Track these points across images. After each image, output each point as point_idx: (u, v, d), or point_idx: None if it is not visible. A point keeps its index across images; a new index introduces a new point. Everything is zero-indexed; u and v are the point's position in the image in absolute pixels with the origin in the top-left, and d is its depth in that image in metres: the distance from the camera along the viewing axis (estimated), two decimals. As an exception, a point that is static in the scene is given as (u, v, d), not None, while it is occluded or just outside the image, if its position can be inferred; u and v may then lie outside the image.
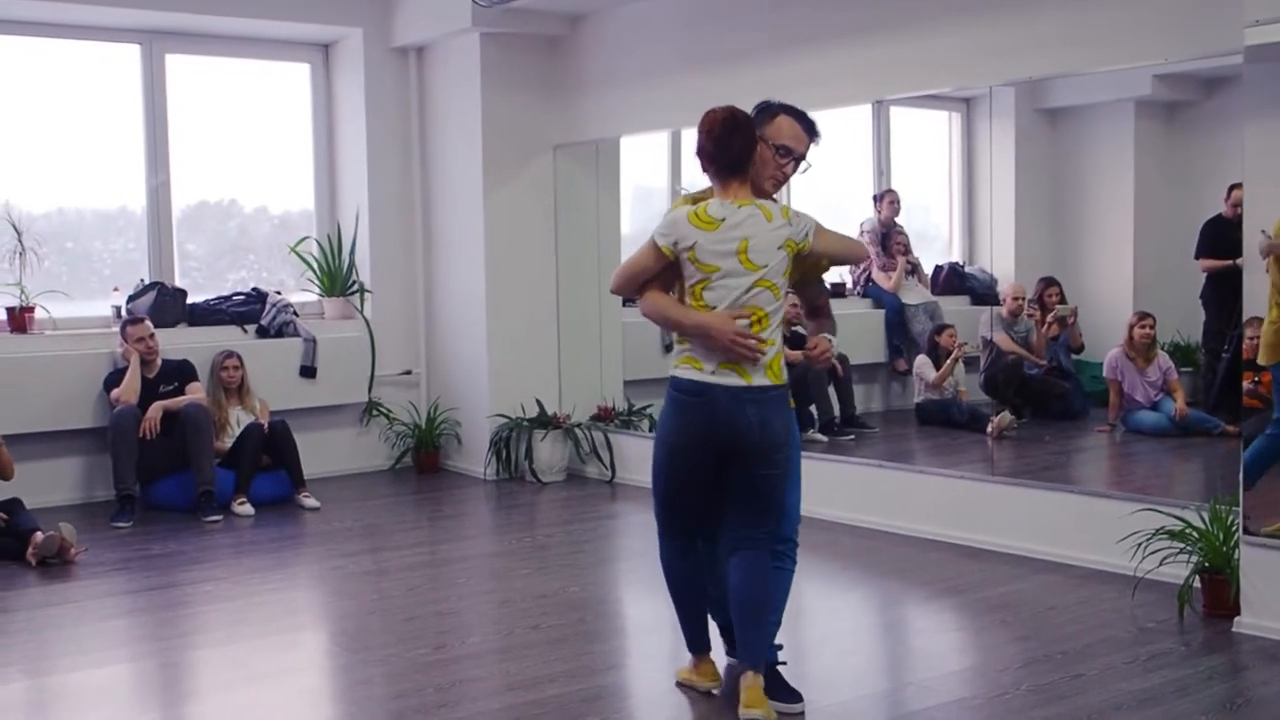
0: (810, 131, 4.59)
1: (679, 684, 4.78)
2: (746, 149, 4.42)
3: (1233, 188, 8.23)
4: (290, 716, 4.75)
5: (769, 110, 4.59)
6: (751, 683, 4.39)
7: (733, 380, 4.33)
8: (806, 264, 4.54)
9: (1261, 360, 5.42)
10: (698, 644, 4.75)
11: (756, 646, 4.45)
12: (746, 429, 4.33)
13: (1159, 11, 6.07)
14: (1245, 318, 5.48)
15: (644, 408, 9.33)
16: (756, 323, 4.33)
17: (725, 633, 4.86)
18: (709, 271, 4.34)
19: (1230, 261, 8.09)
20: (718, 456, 4.41)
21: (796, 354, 5.05)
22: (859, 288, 9.98)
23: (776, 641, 4.69)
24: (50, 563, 6.84)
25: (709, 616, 4.79)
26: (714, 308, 4.34)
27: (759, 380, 4.34)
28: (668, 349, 4.89)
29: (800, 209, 4.56)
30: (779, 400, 4.41)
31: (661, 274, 4.47)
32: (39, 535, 6.86)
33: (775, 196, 4.62)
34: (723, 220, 4.35)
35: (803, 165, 4.63)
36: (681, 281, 4.44)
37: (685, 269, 4.40)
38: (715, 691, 4.68)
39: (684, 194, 4.70)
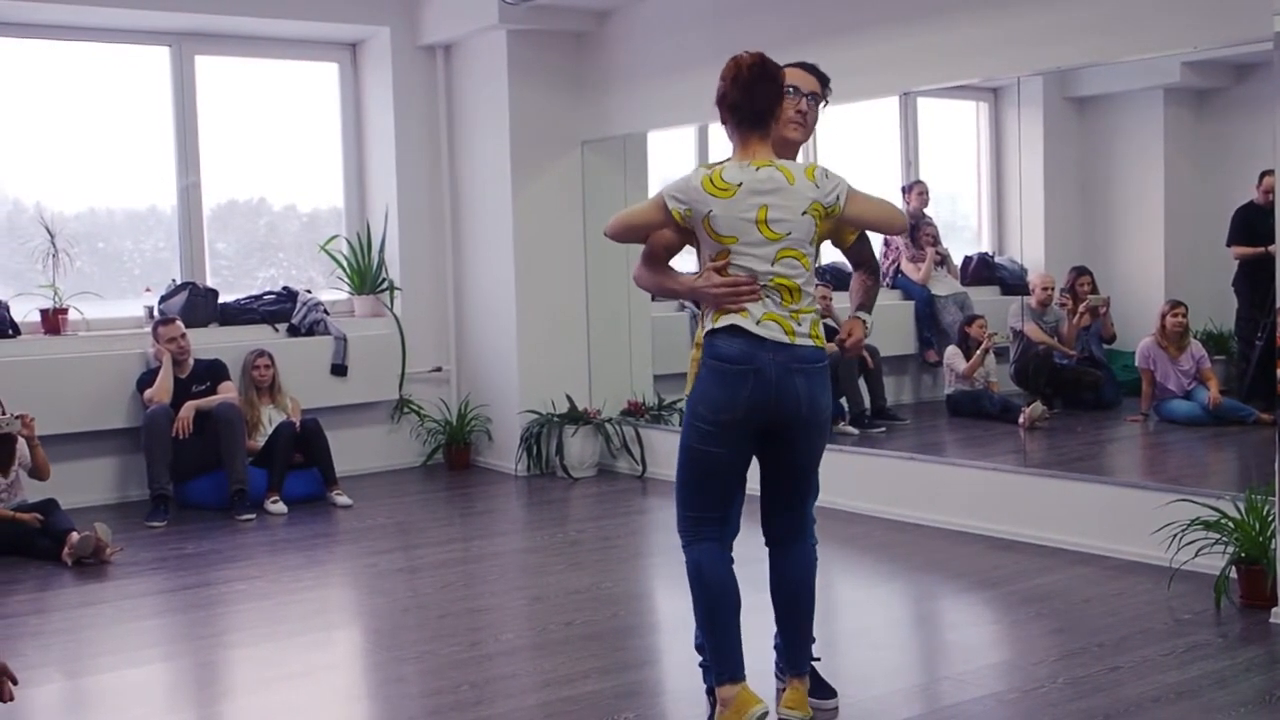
0: (815, 72, 4.36)
1: None
2: (773, 100, 4.10)
3: (1264, 174, 8.17)
4: (325, 715, 4.75)
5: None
6: (798, 685, 4.24)
7: (778, 335, 3.99)
8: (834, 229, 4.28)
9: None
10: (737, 667, 4.16)
11: (804, 646, 4.30)
12: (796, 402, 4.02)
13: (1188, -1, 6.03)
14: (1279, 305, 5.43)
15: (674, 402, 9.31)
16: (788, 295, 4.02)
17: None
18: (728, 243, 4.01)
19: (1263, 249, 8.05)
20: (762, 435, 4.10)
21: (830, 346, 4.82)
22: (888, 279, 9.93)
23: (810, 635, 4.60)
24: (86, 563, 6.87)
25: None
26: None
27: (803, 341, 4.03)
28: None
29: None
30: (824, 372, 4.12)
31: (667, 241, 4.20)
32: (75, 535, 6.89)
33: (802, 148, 4.42)
34: (739, 185, 4.00)
35: (821, 105, 4.37)
36: (699, 251, 4.18)
37: (703, 241, 4.09)
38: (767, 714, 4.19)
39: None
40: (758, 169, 4.04)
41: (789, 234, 4.01)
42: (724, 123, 4.16)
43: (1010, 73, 7.52)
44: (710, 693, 4.36)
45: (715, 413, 4.04)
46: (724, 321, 4.04)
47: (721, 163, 4.14)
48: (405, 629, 5.72)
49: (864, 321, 4.44)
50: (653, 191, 9.47)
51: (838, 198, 4.09)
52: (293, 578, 6.70)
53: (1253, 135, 8.31)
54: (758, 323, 4.01)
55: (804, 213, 4.03)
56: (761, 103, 4.07)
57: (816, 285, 4.18)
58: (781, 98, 4.16)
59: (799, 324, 4.05)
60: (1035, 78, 8.46)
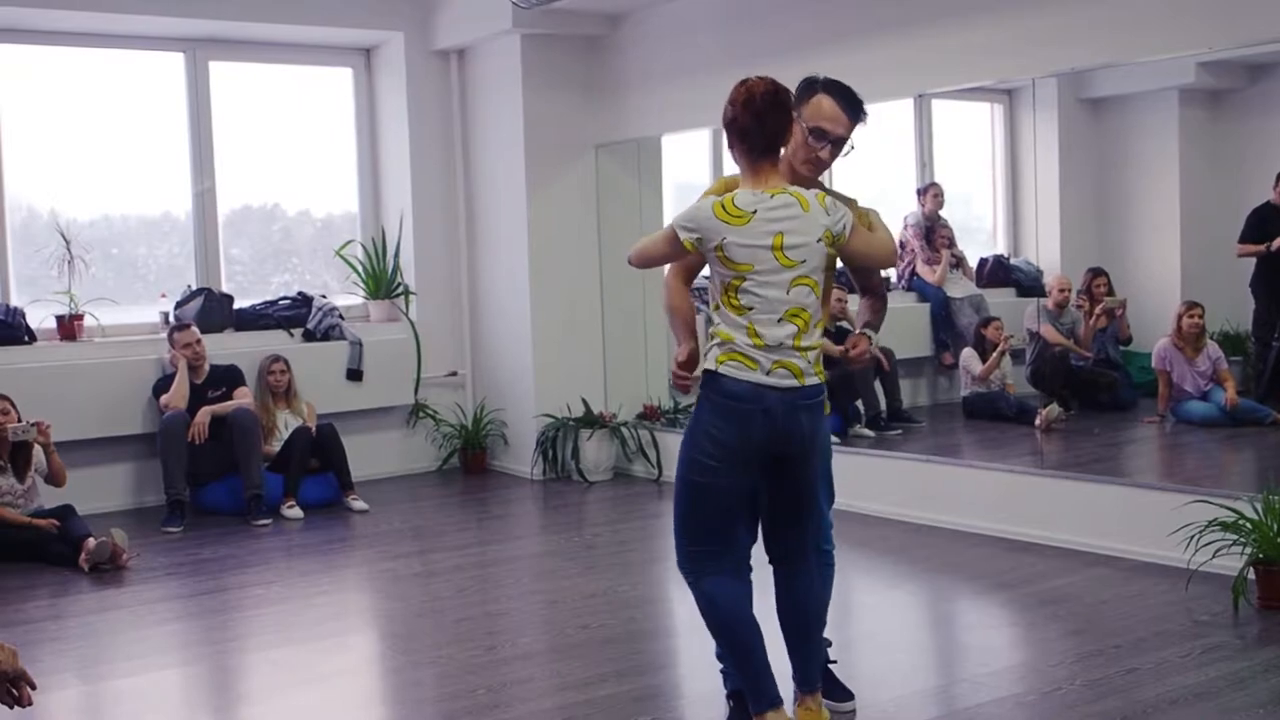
0: (853, 112, 4.22)
1: None
2: (783, 129, 4.00)
3: (1281, 174, 8.18)
4: (342, 719, 4.76)
5: (811, 87, 4.23)
6: (810, 704, 4.16)
7: (788, 381, 3.94)
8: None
9: None
10: (773, 692, 4.06)
11: (814, 665, 4.25)
12: (800, 438, 3.99)
13: (1203, 0, 6.01)
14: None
15: (689, 406, 9.27)
16: (803, 326, 3.94)
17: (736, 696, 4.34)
18: (743, 270, 3.90)
19: (1263, 246, 8.07)
20: (765, 467, 4.04)
21: (836, 349, 4.73)
22: (903, 281, 9.93)
23: (826, 637, 4.52)
24: (103, 568, 6.89)
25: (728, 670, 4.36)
26: (750, 309, 3.91)
27: (810, 380, 3.98)
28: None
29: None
30: (821, 404, 4.09)
31: (689, 263, 4.16)
32: (91, 541, 6.91)
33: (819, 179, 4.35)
34: (754, 213, 3.90)
35: (845, 148, 4.26)
36: (713, 279, 4.05)
37: (716, 269, 3.98)
38: None
39: (724, 177, 4.34)
40: (772, 196, 3.95)
41: (804, 261, 3.94)
42: (731, 147, 4.07)
43: (1024, 74, 7.52)
44: (730, 697, 4.36)
45: (721, 449, 3.98)
46: (730, 367, 3.97)
47: (731, 190, 4.04)
48: (422, 633, 5.73)
49: (869, 337, 4.41)
50: (667, 195, 9.57)
51: (844, 228, 4.04)
52: (309, 583, 6.71)
53: (1268, 135, 8.32)
54: (768, 373, 3.94)
55: (818, 240, 3.97)
56: (772, 132, 3.98)
57: (824, 289, 4.11)
58: (790, 125, 4.06)
59: (807, 361, 3.99)
60: (1050, 79, 8.46)
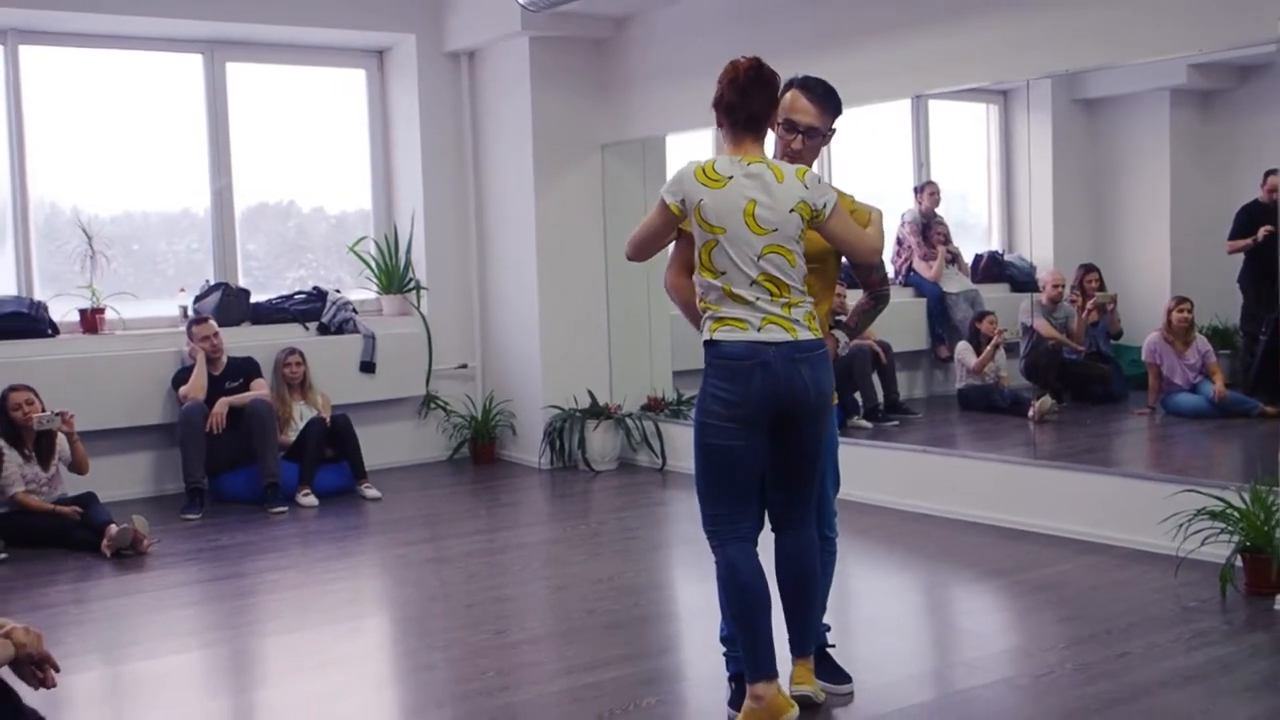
0: (823, 103, 4.28)
1: None
2: (767, 106, 4.08)
3: (1269, 173, 8.18)
4: (356, 701, 4.77)
5: (786, 86, 4.31)
6: (803, 664, 4.29)
7: (781, 335, 3.97)
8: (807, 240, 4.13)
9: None
10: (770, 666, 4.09)
11: (808, 632, 4.30)
12: (804, 390, 3.99)
13: (1193, 3, 6.01)
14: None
15: (692, 398, 9.30)
16: (775, 287, 3.97)
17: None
18: (716, 232, 3.97)
19: (1250, 239, 8.07)
20: (773, 425, 4.04)
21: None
22: (900, 277, 9.94)
23: (825, 622, 4.58)
24: (124, 554, 6.92)
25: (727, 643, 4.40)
26: (723, 272, 3.98)
27: (804, 335, 4.01)
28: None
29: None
30: (825, 357, 4.10)
31: (683, 245, 4.22)
32: (113, 528, 6.93)
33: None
34: (730, 178, 3.98)
35: (822, 140, 4.31)
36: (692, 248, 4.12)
37: (695, 231, 4.04)
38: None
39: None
40: (749, 164, 4.02)
41: (775, 230, 3.98)
42: (719, 124, 4.15)
43: (1019, 76, 7.52)
44: (733, 679, 4.37)
45: (729, 408, 4.00)
46: (724, 331, 4.02)
47: (714, 158, 4.11)
48: (433, 617, 5.75)
49: (838, 339, 4.45)
50: (669, 194, 9.54)
51: (825, 205, 4.06)
52: (324, 568, 6.73)
53: (1258, 136, 8.31)
54: (759, 329, 3.98)
55: (791, 210, 4.00)
56: (756, 106, 4.07)
57: (801, 257, 4.09)
58: (775, 103, 4.15)
59: (795, 318, 4.01)
60: (1044, 80, 8.48)
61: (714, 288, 4.03)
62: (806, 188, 4.03)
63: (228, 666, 5.25)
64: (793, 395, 4.00)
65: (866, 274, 4.54)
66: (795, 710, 4.08)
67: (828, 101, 4.32)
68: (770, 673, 4.07)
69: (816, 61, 7.50)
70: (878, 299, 4.60)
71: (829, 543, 4.53)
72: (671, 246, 4.28)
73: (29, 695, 3.56)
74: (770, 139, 4.26)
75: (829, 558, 4.54)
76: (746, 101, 4.05)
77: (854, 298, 8.45)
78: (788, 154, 4.29)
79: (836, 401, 4.38)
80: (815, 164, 4.41)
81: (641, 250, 4.29)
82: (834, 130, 4.40)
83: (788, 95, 4.30)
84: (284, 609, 6.00)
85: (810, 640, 4.33)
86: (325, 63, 9.80)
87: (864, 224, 4.34)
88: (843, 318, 8.31)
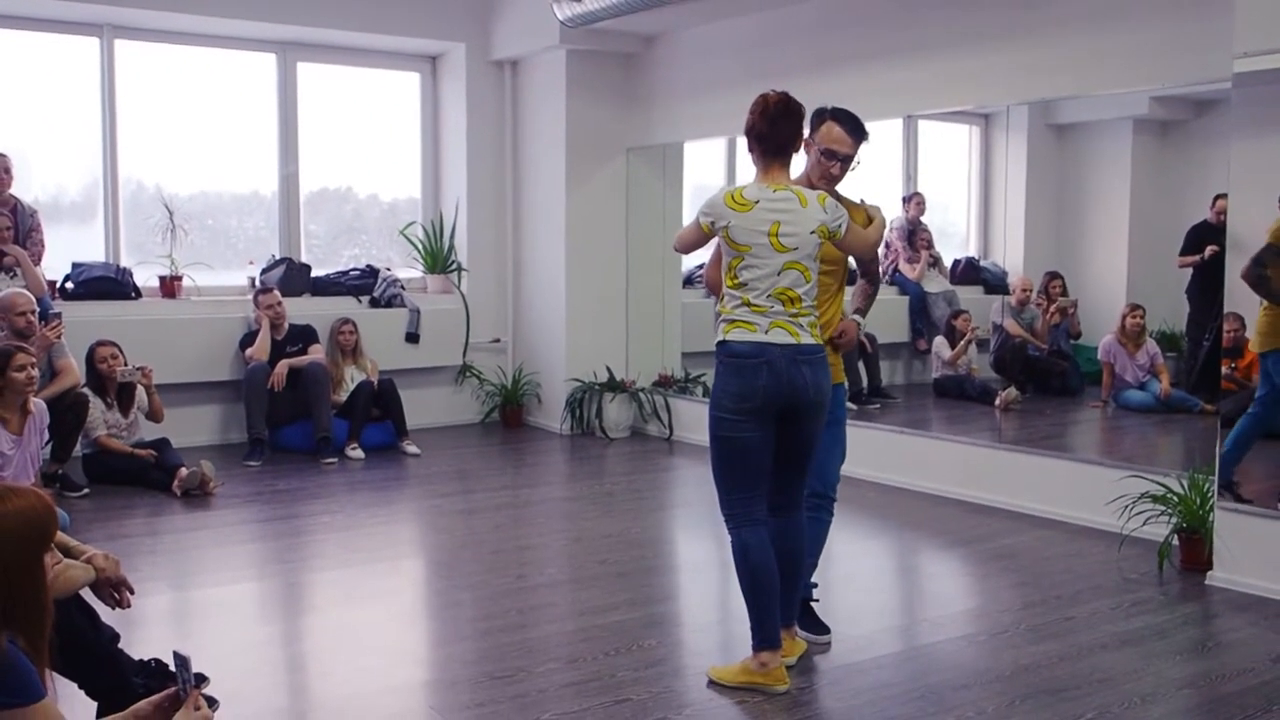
0: (857, 134, 4.35)
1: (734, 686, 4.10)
2: (794, 135, 4.10)
3: (1217, 197, 8.13)
4: (392, 631, 4.80)
5: (820, 116, 4.36)
6: (786, 635, 4.24)
7: (785, 339, 3.98)
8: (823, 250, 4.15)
9: (1255, 348, 5.35)
10: (776, 635, 4.11)
11: (792, 605, 4.30)
12: (804, 387, 4.00)
13: (1157, 41, 6.00)
14: (1225, 311, 5.42)
15: (698, 376, 9.34)
16: (789, 303, 3.98)
17: None
18: (742, 250, 3.99)
19: (1198, 256, 8.07)
20: (778, 417, 4.04)
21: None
22: (886, 276, 9.93)
23: (812, 580, 4.60)
24: (193, 494, 6.96)
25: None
26: (745, 284, 4.00)
27: (806, 339, 4.02)
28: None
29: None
30: (824, 360, 4.12)
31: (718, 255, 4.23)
32: (183, 470, 6.97)
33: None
34: (756, 203, 4.00)
35: (852, 165, 4.41)
36: (722, 261, 4.14)
37: (723, 249, 4.08)
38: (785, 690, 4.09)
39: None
40: (775, 191, 4.03)
41: (796, 249, 3.99)
42: (750, 150, 4.15)
43: (1000, 101, 7.52)
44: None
45: (738, 401, 4.01)
46: (735, 333, 4.04)
47: (745, 185, 4.13)
48: (462, 561, 5.77)
49: (858, 323, 4.53)
50: (687, 193, 9.58)
51: (840, 225, 4.08)
52: (368, 514, 6.75)
53: (1209, 163, 8.29)
54: (766, 332, 4.00)
55: (812, 231, 4.01)
56: (784, 136, 4.08)
57: (817, 275, 4.11)
58: (801, 132, 4.14)
59: (801, 327, 4.03)
60: (1021, 106, 8.46)
61: (735, 297, 4.05)
62: (825, 212, 4.05)
63: (281, 596, 5.29)
64: (794, 392, 4.01)
65: (867, 265, 4.66)
66: (787, 686, 4.07)
67: (860, 133, 4.38)
68: (775, 643, 4.10)
69: (819, 82, 7.55)
70: (876, 284, 4.72)
71: (829, 501, 4.58)
72: (712, 245, 4.27)
73: (106, 614, 3.61)
74: (798, 160, 4.27)
75: (827, 515, 4.59)
76: (776, 131, 4.07)
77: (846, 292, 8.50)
78: (826, 178, 4.35)
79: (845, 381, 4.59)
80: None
81: (684, 249, 4.37)
82: (860, 162, 4.45)
83: (827, 126, 4.35)
84: (331, 548, 6.03)
85: (794, 612, 4.34)
86: (384, 65, 9.78)
87: (863, 222, 4.37)
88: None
